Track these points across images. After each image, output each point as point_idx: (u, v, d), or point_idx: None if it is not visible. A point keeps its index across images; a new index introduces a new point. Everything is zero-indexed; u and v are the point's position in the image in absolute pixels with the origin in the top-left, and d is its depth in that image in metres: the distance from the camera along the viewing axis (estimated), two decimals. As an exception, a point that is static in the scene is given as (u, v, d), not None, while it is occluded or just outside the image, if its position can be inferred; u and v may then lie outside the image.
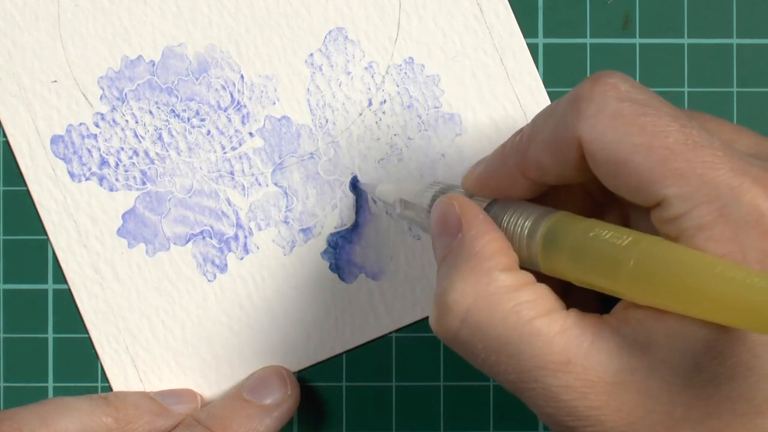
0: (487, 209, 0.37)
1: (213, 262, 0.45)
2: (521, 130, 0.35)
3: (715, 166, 0.31)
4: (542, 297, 0.33)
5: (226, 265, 0.45)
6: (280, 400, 0.43)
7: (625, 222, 0.37)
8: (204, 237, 0.45)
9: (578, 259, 0.33)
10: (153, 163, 0.45)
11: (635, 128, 0.31)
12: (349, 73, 0.45)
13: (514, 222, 0.35)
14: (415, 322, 0.45)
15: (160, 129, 0.45)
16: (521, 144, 0.35)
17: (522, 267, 0.34)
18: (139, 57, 0.45)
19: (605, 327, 0.32)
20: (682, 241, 0.31)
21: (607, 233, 0.32)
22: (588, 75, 0.45)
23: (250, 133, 0.45)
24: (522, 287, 0.33)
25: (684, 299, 0.30)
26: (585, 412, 0.31)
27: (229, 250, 0.45)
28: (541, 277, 0.34)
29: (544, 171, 0.34)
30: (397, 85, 0.45)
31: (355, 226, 0.45)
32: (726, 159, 0.31)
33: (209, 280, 0.45)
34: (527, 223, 0.35)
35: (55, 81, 0.45)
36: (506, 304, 0.33)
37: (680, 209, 0.31)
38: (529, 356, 0.32)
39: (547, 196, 0.36)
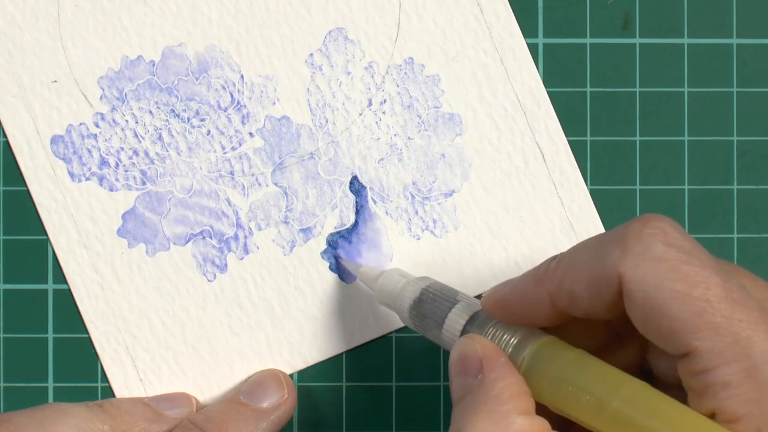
0: (472, 318, 0.37)
1: (213, 262, 0.45)
2: (556, 257, 0.35)
3: (750, 326, 0.31)
4: None
5: (226, 265, 0.45)
6: (277, 404, 0.43)
7: (642, 358, 0.37)
8: (204, 237, 0.45)
9: (560, 389, 0.33)
10: (153, 163, 0.45)
11: (677, 275, 0.32)
12: (349, 73, 0.45)
13: (499, 337, 0.36)
14: (415, 322, 0.45)
15: (160, 129, 0.45)
16: (558, 271, 0.34)
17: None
18: (139, 57, 0.45)
19: None
20: (705, 396, 0.31)
21: (593, 368, 0.33)
22: (588, 75, 0.45)
23: (250, 133, 0.45)
24: None
25: None
26: None
27: (229, 250, 0.45)
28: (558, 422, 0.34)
29: (576, 303, 0.34)
30: (397, 85, 0.45)
31: (355, 226, 0.45)
32: (762, 320, 0.31)
33: (209, 280, 0.45)
34: (513, 341, 0.35)
35: (55, 81, 0.45)
36: None
37: (709, 364, 0.31)
38: None
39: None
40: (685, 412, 0.31)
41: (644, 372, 0.36)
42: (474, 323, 0.37)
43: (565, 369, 0.33)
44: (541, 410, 0.34)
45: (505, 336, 0.35)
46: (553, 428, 0.33)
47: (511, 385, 0.34)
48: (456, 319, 0.38)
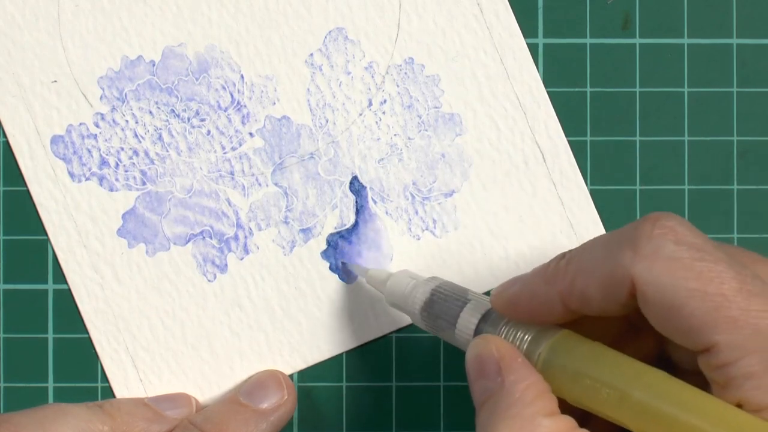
0: (485, 317, 0.37)
1: (213, 262, 0.45)
2: (565, 255, 0.35)
3: None
4: None
5: (226, 265, 0.45)
6: (277, 405, 0.43)
7: (660, 348, 0.37)
8: (204, 237, 0.45)
9: (579, 383, 0.33)
10: (153, 163, 0.45)
11: (691, 273, 0.32)
12: (349, 73, 0.45)
13: (513, 334, 0.36)
14: (415, 322, 0.45)
15: (160, 129, 0.45)
16: (568, 272, 0.34)
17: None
18: (139, 57, 0.45)
19: None
20: (729, 388, 0.31)
21: (611, 360, 0.33)
22: (588, 75, 0.45)
23: (250, 133, 0.45)
24: None
25: None
26: None
27: (229, 250, 0.45)
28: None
29: (588, 304, 0.34)
30: (397, 85, 0.45)
31: (355, 226, 0.45)
32: None
33: (209, 280, 0.45)
34: (527, 337, 0.35)
35: (55, 81, 0.45)
36: None
37: (730, 357, 0.31)
38: None
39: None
40: (709, 400, 0.31)
41: (663, 361, 0.36)
42: (487, 321, 0.37)
43: (582, 363, 0.33)
44: (560, 404, 0.34)
45: (519, 333, 0.35)
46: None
47: (533, 385, 0.34)
48: (468, 319, 0.38)
